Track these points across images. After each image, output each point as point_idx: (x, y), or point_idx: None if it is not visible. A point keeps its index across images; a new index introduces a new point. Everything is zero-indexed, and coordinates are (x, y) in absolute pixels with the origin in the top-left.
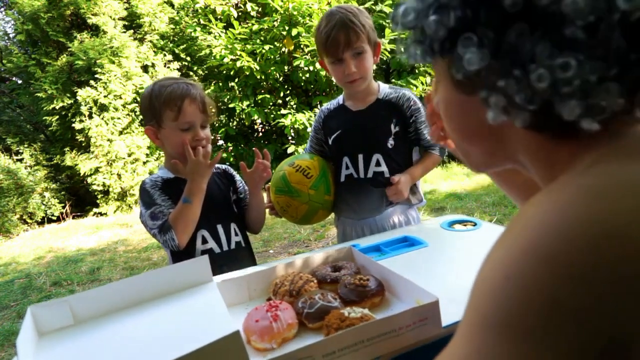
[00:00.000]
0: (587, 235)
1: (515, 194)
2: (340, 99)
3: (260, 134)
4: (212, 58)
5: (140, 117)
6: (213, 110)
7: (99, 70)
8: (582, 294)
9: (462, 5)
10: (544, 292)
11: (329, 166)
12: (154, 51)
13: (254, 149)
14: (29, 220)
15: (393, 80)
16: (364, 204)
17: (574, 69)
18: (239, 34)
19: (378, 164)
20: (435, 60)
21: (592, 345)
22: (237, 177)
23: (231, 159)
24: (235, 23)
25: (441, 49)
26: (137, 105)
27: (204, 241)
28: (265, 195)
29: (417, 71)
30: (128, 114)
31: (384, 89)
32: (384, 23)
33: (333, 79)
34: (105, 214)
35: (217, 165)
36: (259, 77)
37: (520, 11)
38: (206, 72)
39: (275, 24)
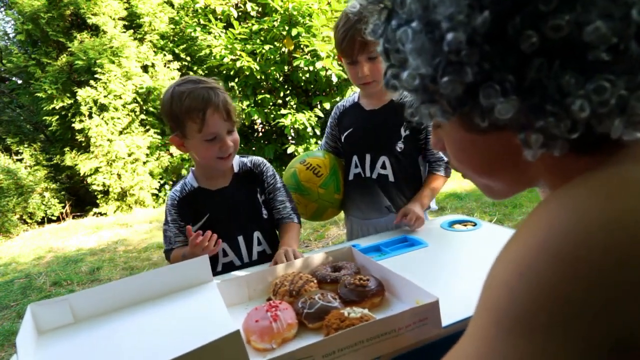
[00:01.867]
0: (600, 235)
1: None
2: (355, 96)
3: (260, 134)
4: (212, 58)
5: (141, 117)
6: (235, 111)
7: (99, 70)
8: (592, 294)
9: (478, 59)
10: (556, 290)
11: (340, 164)
12: (154, 51)
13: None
14: (29, 220)
15: None
16: (369, 204)
17: (609, 90)
18: (239, 34)
19: (384, 166)
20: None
21: (601, 344)
22: (268, 172)
23: None
24: (235, 23)
25: (459, 105)
26: (137, 105)
27: (225, 254)
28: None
29: None
30: (128, 114)
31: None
32: None
33: (334, 77)
34: (105, 214)
35: (245, 161)
36: (259, 77)
37: (537, 49)
38: (206, 72)
39: (275, 24)
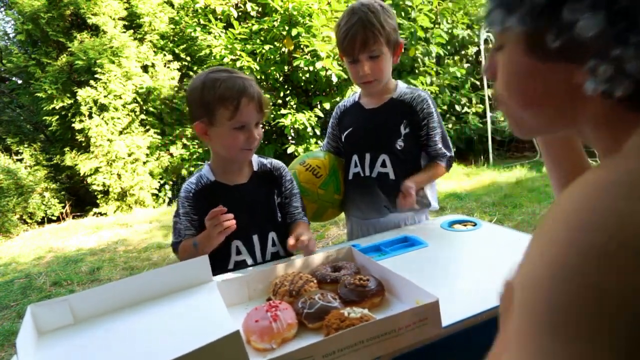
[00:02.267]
0: (634, 226)
1: (557, 165)
2: (356, 95)
3: None
4: (212, 58)
5: (141, 117)
6: (267, 105)
7: (99, 70)
8: (630, 287)
9: None
10: (595, 288)
11: (341, 164)
12: (154, 51)
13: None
14: (29, 220)
15: (398, 80)
16: (369, 203)
17: None
18: (239, 34)
19: (384, 164)
20: (510, 30)
21: None
22: (287, 176)
23: None
24: (235, 23)
25: (540, 15)
26: (137, 105)
27: (238, 252)
28: None
29: (417, 71)
30: (128, 114)
31: (401, 88)
32: None
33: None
34: (105, 214)
35: (264, 162)
36: (259, 77)
37: None
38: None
39: (275, 24)
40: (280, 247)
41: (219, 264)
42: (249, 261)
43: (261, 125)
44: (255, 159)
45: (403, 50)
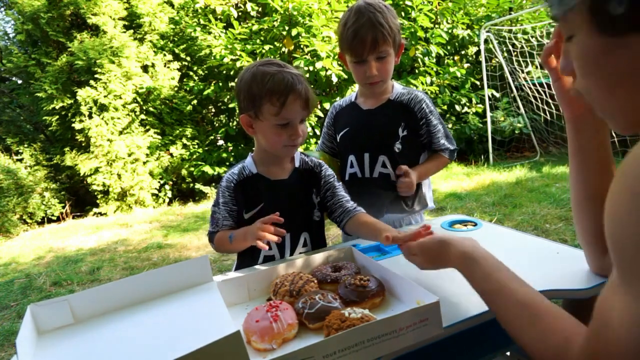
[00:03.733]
0: None
1: (585, 173)
2: (352, 96)
3: None
4: (212, 58)
5: (141, 117)
6: (314, 103)
7: (99, 70)
8: None
9: None
10: None
11: (335, 165)
12: (154, 51)
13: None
14: (29, 220)
15: (393, 80)
16: (368, 204)
17: None
18: (239, 34)
19: (384, 165)
20: (573, 12)
21: None
22: (326, 172)
23: (231, 159)
24: (235, 23)
25: None
26: (137, 105)
27: (269, 247)
28: None
29: (417, 71)
30: (128, 114)
31: (397, 89)
32: None
33: (334, 77)
34: (105, 214)
35: (306, 159)
36: None
37: None
38: (206, 72)
39: (275, 24)
40: (310, 248)
41: (249, 257)
42: (277, 257)
43: (306, 122)
44: (297, 155)
45: (403, 51)
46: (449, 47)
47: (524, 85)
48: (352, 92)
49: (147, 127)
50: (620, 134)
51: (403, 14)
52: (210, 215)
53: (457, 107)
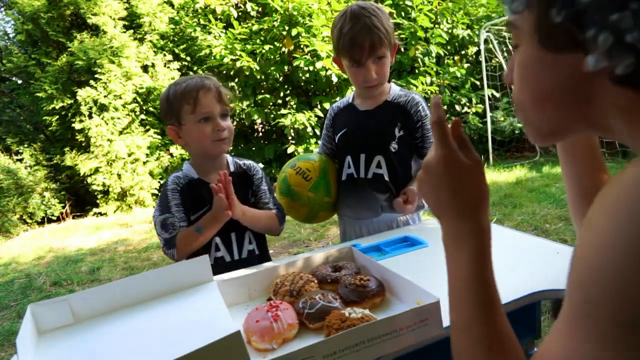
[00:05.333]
0: None
1: (576, 170)
2: (350, 97)
3: (260, 134)
4: (212, 58)
5: (141, 117)
6: (230, 99)
7: (99, 70)
8: None
9: None
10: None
11: (333, 166)
12: (154, 51)
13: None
14: (29, 220)
15: (393, 80)
16: (361, 204)
17: None
18: (239, 34)
19: (379, 165)
20: (523, 16)
21: None
22: (258, 175)
23: None
24: (235, 23)
25: None
26: (137, 105)
27: (217, 248)
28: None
29: (417, 71)
30: (128, 114)
31: (394, 90)
32: None
33: (334, 77)
34: (105, 214)
35: (239, 162)
36: (258, 77)
37: None
38: (206, 72)
39: (275, 24)
40: (256, 246)
41: None
42: (227, 258)
43: (229, 119)
44: (231, 160)
45: (403, 51)
46: (449, 47)
47: None
48: (352, 92)
49: (147, 127)
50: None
51: (403, 14)
52: (159, 226)
53: (457, 107)
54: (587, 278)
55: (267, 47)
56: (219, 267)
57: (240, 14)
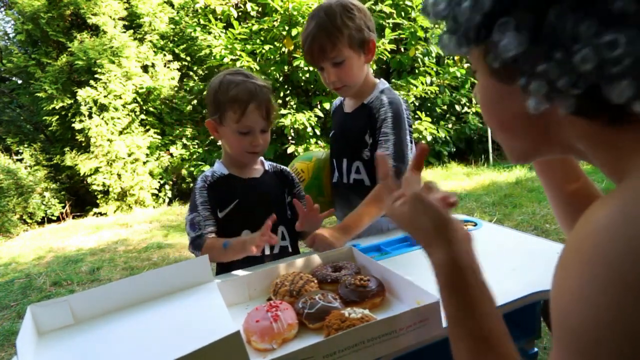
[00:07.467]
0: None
1: (554, 186)
2: None
3: None
4: (212, 58)
5: (141, 117)
6: (275, 116)
7: (99, 70)
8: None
9: None
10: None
11: (327, 167)
12: (154, 51)
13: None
14: (29, 220)
15: (393, 80)
16: (345, 208)
17: (622, 46)
18: (239, 34)
19: (358, 171)
20: (470, 49)
21: None
22: (296, 180)
23: None
24: (235, 23)
25: (476, 37)
26: (137, 105)
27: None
28: None
29: (417, 71)
30: (128, 114)
31: (375, 93)
32: (384, 23)
33: None
34: (105, 214)
35: (272, 164)
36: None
37: None
38: (206, 72)
39: (275, 24)
40: (289, 242)
41: None
42: (259, 253)
43: (268, 132)
44: (265, 161)
45: (403, 51)
46: None
47: None
48: None
49: (147, 127)
50: None
51: (403, 14)
52: (188, 226)
53: (457, 107)
54: (576, 328)
55: (267, 47)
56: (249, 261)
57: (240, 14)
